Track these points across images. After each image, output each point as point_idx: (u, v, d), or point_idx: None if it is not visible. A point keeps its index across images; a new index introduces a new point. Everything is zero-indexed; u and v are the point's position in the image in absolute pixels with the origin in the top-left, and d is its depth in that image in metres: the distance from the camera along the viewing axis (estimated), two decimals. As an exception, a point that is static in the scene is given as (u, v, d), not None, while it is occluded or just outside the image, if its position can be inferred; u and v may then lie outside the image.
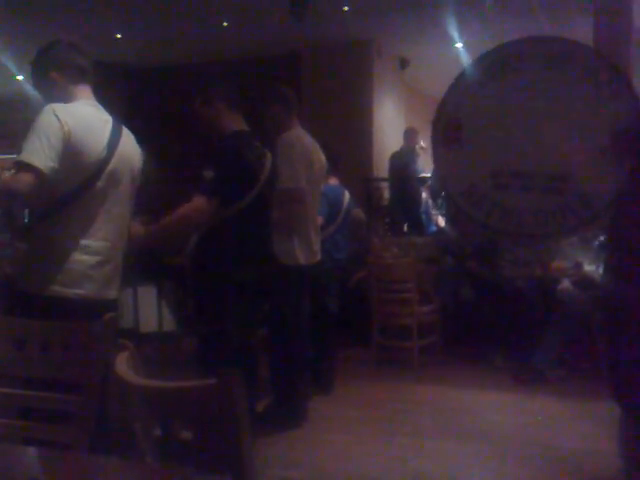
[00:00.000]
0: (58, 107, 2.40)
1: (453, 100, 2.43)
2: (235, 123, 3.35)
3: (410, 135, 8.22)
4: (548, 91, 2.38)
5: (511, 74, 2.39)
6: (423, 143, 8.07)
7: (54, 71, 2.53)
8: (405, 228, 8.22)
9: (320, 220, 4.47)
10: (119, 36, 7.97)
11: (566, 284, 4.90)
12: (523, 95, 2.39)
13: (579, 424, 3.91)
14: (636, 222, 2.39)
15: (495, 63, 2.42)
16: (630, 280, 2.55)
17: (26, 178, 2.29)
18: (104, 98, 2.64)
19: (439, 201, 7.82)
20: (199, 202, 3.10)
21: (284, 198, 3.70)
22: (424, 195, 8.47)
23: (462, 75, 2.43)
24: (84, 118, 2.45)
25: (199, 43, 8.24)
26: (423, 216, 8.38)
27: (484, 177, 2.36)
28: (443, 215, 7.92)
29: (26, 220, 2.65)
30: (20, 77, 8.70)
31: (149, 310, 4.99)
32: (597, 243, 4.38)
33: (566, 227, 2.40)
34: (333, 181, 5.08)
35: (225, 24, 7.62)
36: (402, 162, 8.04)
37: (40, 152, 2.30)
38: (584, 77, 2.35)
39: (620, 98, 2.32)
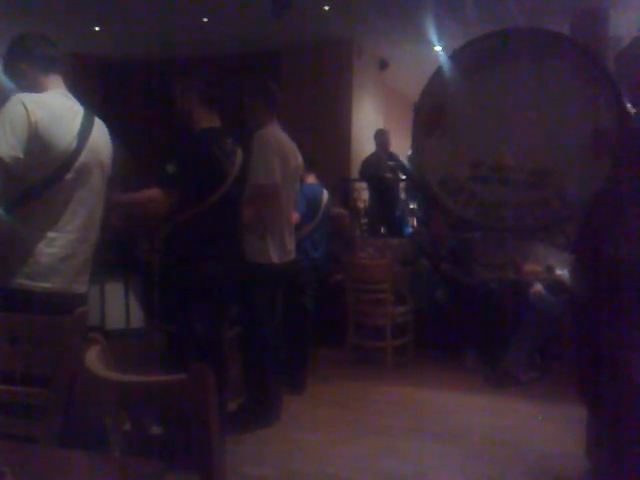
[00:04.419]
0: (26, 97, 2.37)
1: (438, 86, 2.40)
2: (207, 119, 3.33)
3: (381, 137, 8.15)
4: (532, 83, 2.38)
5: (496, 64, 2.38)
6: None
7: (23, 62, 2.53)
8: (382, 230, 8.25)
9: (297, 217, 4.46)
10: (97, 29, 7.89)
11: (538, 287, 4.96)
12: (507, 86, 2.39)
13: (549, 426, 3.95)
14: (603, 223, 2.43)
15: (481, 51, 2.41)
16: (592, 281, 2.58)
17: None
18: (80, 90, 2.63)
19: (416, 201, 7.87)
20: (154, 192, 3.11)
21: (257, 194, 3.69)
22: (403, 197, 8.51)
23: (448, 61, 2.42)
24: (53, 108, 2.43)
25: (178, 38, 8.19)
26: (402, 217, 8.43)
27: (463, 167, 2.35)
28: (419, 217, 7.97)
29: None
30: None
31: (116, 307, 4.93)
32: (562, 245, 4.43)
33: (542, 223, 2.41)
34: (311, 179, 5.08)
35: (205, 19, 7.58)
36: (374, 167, 8.01)
37: (2, 140, 2.27)
38: (569, 71, 2.36)
39: (602, 96, 2.33)
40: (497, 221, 2.41)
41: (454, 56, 2.45)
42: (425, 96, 2.40)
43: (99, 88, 9.17)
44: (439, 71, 2.40)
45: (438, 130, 2.36)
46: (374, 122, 9.27)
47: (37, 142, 2.33)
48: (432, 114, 2.36)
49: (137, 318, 4.92)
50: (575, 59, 2.37)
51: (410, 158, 7.31)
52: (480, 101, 2.40)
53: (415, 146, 2.41)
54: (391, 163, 8.09)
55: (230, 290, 3.49)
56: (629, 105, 2.38)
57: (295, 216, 4.40)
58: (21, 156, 2.29)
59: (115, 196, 3.01)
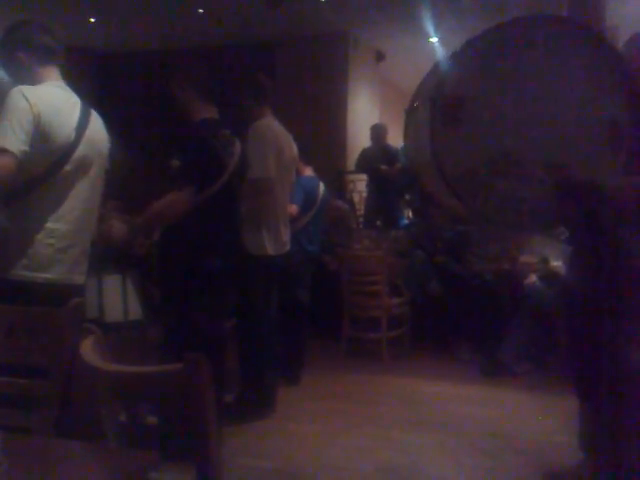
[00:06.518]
0: (27, 89, 2.36)
1: (455, 78, 2.35)
2: (204, 111, 3.32)
3: (378, 132, 8.12)
4: (549, 76, 2.34)
5: (515, 54, 2.33)
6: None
7: (21, 51, 2.49)
8: (378, 223, 8.23)
9: (295, 208, 4.45)
10: (92, 20, 7.85)
11: (533, 279, 4.98)
12: (524, 77, 2.34)
13: (543, 417, 3.97)
14: (607, 217, 2.43)
15: (498, 41, 2.36)
16: (591, 274, 2.59)
17: (4, 163, 2.26)
18: (76, 82, 2.61)
19: (409, 196, 7.85)
20: (175, 197, 3.10)
21: (252, 189, 3.68)
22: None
23: (463, 52, 2.36)
24: (53, 100, 2.42)
25: (173, 29, 8.16)
26: (398, 209, 8.42)
27: (482, 162, 2.30)
28: (414, 208, 7.96)
29: None
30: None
31: (114, 300, 4.93)
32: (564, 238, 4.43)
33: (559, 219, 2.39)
34: (308, 172, 5.07)
35: (200, 11, 7.56)
36: (370, 159, 7.98)
37: (12, 136, 2.26)
38: (586, 63, 2.32)
39: (620, 90, 2.30)
40: (516, 217, 2.37)
41: (469, 46, 2.37)
42: (441, 87, 2.34)
43: (94, 80, 9.13)
44: (455, 62, 2.35)
45: (456, 123, 2.30)
46: (370, 114, 9.26)
47: (38, 134, 2.33)
48: (450, 106, 2.30)
49: (135, 311, 4.92)
50: (592, 50, 2.32)
51: (403, 149, 7.25)
52: (498, 93, 2.35)
53: (431, 140, 2.34)
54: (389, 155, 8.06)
55: (230, 282, 3.49)
56: None
57: (293, 208, 4.40)
58: (29, 150, 2.30)
59: (134, 222, 3.09)
